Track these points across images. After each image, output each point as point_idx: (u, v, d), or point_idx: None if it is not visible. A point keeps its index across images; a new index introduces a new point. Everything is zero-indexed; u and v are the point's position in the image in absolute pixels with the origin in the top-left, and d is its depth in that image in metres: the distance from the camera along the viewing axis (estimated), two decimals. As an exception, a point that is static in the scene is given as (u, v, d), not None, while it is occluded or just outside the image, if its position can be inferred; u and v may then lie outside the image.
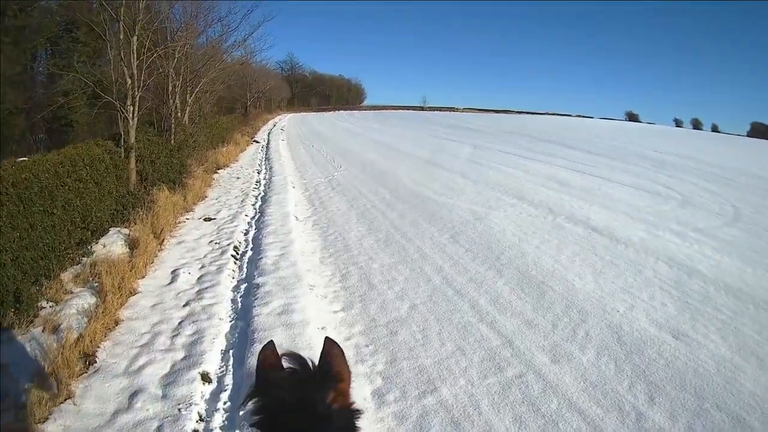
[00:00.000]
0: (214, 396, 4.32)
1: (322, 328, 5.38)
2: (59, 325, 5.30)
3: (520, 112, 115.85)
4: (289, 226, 8.98)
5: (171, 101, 12.75)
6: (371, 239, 8.58)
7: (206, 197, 11.54)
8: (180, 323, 5.51)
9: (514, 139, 32.17)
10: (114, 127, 11.80)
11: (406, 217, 10.03)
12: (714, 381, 4.50)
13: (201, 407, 4.11)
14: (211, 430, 3.89)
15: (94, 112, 9.44)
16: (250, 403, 1.15)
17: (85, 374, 4.47)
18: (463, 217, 10.06)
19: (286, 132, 35.12)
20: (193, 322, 5.52)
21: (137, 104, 9.48)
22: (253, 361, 4.28)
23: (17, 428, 3.75)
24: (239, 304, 6.08)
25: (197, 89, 15.15)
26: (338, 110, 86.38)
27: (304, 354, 1.22)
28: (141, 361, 4.71)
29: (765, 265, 7.70)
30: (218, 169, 15.73)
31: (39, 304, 5.52)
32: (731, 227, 10.20)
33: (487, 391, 4.33)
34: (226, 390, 4.40)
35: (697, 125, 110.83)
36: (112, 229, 7.97)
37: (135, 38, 9.41)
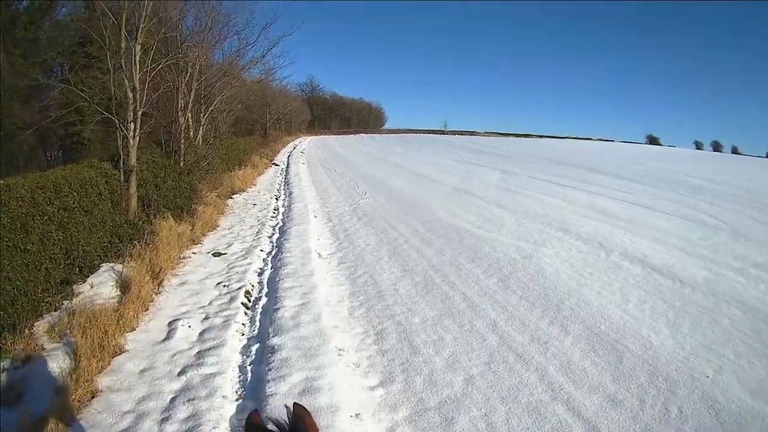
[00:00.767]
0: None
1: (357, 415, 4.04)
2: (20, 396, 4.11)
3: (540, 136, 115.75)
4: (311, 266, 7.65)
5: (181, 119, 11.62)
6: (407, 283, 7.24)
7: (218, 227, 10.30)
8: (172, 401, 4.21)
9: (542, 164, 30.82)
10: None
11: (445, 255, 8.68)
12: None
13: None
14: None
15: (88, 129, 8.18)
16: None
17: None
18: (508, 254, 8.71)
19: (306, 155, 34.07)
20: (189, 400, 4.20)
21: (139, 121, 8.34)
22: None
23: None
24: (249, 374, 4.72)
25: (212, 108, 14.07)
26: (359, 133, 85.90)
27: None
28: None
29: None
30: (233, 194, 14.56)
31: (-2, 365, 4.32)
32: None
33: None
34: None
35: (717, 147, 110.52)
36: (104, 265, 6.75)
37: (138, 46, 8.30)
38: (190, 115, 13.46)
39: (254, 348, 5.21)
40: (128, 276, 6.31)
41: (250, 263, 7.86)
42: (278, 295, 6.43)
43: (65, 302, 5.61)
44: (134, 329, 5.43)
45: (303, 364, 4.70)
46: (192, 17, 12.44)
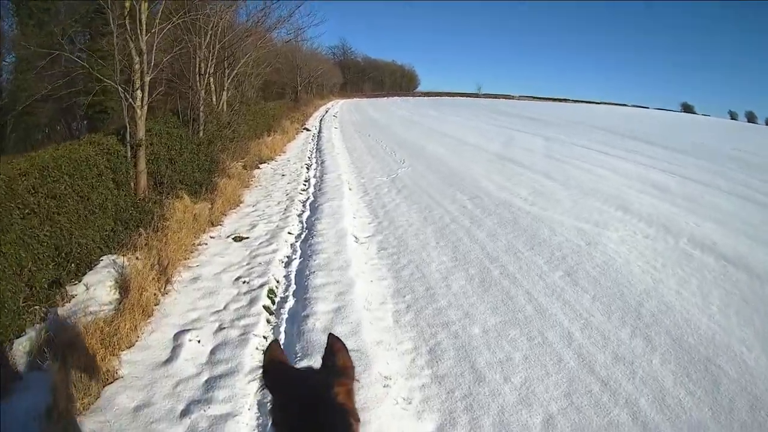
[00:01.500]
0: None
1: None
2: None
3: (576, 101, 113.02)
4: (346, 255, 6.48)
5: (200, 85, 10.46)
6: (461, 277, 6.02)
7: (241, 203, 9.20)
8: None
9: (586, 131, 28.84)
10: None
11: (499, 239, 7.43)
12: None
13: None
14: None
15: (88, 100, 6.98)
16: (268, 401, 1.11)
17: None
18: (570, 239, 7.46)
19: (338, 119, 32.66)
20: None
21: (147, 88, 7.23)
22: None
23: None
24: (268, 418, 3.68)
25: (236, 71, 12.87)
26: (392, 96, 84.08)
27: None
28: None
29: None
30: (261, 163, 13.44)
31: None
32: None
33: None
34: None
35: (751, 118, 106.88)
36: (104, 258, 5.75)
37: (144, 3, 7.11)
38: (212, 79, 12.34)
39: (277, 375, 4.13)
40: (129, 273, 5.29)
41: (275, 250, 6.75)
42: (308, 295, 5.28)
43: (52, 311, 4.64)
44: (132, 345, 4.40)
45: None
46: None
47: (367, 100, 70.48)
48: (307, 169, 13.54)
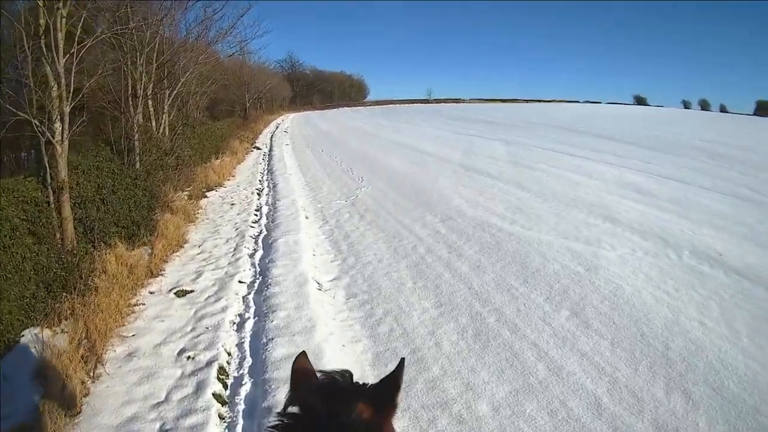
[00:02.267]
0: None
1: None
2: None
3: (527, 101, 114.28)
4: (309, 310, 5.50)
5: (134, 109, 9.34)
6: (451, 330, 5.18)
7: (186, 243, 8.13)
8: None
9: (543, 131, 28.89)
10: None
11: (486, 272, 6.67)
12: None
13: None
14: None
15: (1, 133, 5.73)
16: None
17: None
18: (566, 266, 6.78)
19: (290, 134, 31.62)
20: None
21: (67, 120, 6.16)
22: None
23: None
24: None
25: (176, 91, 11.77)
26: (342, 107, 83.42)
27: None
28: None
29: None
30: (208, 190, 12.37)
31: None
32: None
33: None
34: None
35: (705, 106, 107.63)
36: (26, 333, 4.73)
37: (61, 18, 6.04)
38: (150, 102, 11.22)
39: None
40: (49, 360, 4.26)
41: (225, 308, 5.73)
42: (267, 376, 4.30)
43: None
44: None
45: None
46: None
47: (318, 112, 69.79)
48: (258, 195, 12.55)
